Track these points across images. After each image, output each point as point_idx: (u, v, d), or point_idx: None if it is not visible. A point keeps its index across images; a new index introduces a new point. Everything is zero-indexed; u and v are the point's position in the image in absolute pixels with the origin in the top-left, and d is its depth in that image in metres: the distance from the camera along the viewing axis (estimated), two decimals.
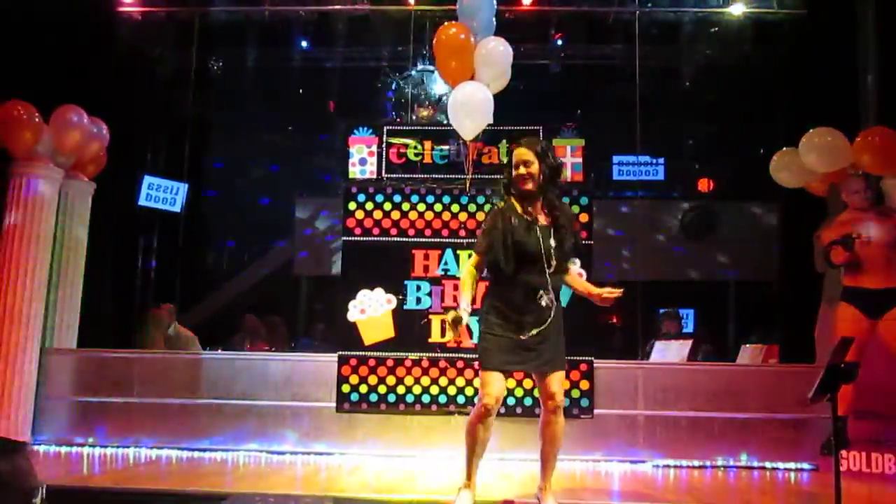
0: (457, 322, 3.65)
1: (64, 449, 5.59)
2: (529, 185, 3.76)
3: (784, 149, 6.08)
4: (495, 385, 3.68)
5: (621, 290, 3.75)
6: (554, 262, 3.71)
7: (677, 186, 10.90)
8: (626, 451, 5.45)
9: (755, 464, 5.37)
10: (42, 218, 5.71)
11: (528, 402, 5.45)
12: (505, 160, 4.99)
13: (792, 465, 5.35)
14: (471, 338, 5.15)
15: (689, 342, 6.49)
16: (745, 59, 8.87)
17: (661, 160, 9.82)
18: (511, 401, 5.43)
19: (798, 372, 5.52)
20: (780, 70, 8.40)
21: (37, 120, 5.68)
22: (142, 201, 8.03)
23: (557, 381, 3.76)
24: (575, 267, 4.02)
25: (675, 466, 5.35)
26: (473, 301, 3.82)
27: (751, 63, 8.90)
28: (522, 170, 3.75)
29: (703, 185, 10.85)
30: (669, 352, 6.46)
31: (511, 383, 5.34)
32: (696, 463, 5.38)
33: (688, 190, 10.91)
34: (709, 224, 10.12)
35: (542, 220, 3.79)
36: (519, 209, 3.79)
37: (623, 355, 7.49)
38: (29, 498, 1.40)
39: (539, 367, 3.75)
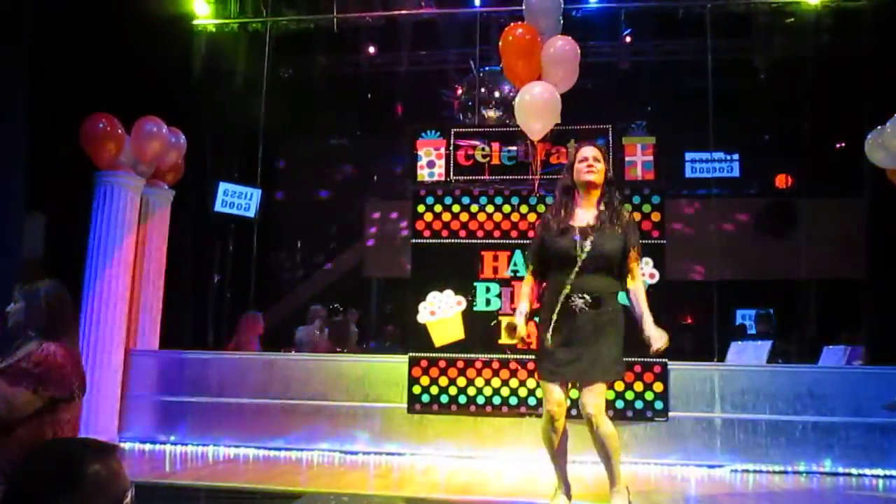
0: (511, 328, 3.65)
1: (147, 446, 5.80)
2: (594, 177, 3.69)
3: (879, 127, 5.68)
4: (553, 393, 3.64)
5: (665, 344, 3.57)
6: (584, 263, 3.56)
7: (753, 183, 10.59)
8: (703, 455, 5.31)
9: (840, 470, 5.15)
10: (125, 224, 5.92)
11: None
12: None
13: (880, 471, 5.11)
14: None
15: (768, 343, 6.29)
16: (823, 50, 8.53)
17: (736, 156, 9.52)
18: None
19: (887, 374, 5.28)
20: (862, 60, 8.05)
21: (119, 131, 5.91)
22: (217, 207, 8.25)
23: (591, 392, 3.61)
24: (635, 283, 3.74)
25: (755, 471, 5.18)
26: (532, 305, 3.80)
27: (830, 53, 8.56)
28: (592, 161, 3.70)
29: (781, 180, 10.50)
30: (747, 353, 6.27)
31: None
32: (776, 468, 5.19)
33: (764, 186, 10.58)
34: (787, 221, 9.79)
35: (588, 221, 3.68)
36: (563, 211, 3.73)
37: (697, 357, 7.29)
38: (120, 500, 1.45)
39: (573, 378, 3.66)
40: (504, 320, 3.69)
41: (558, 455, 3.79)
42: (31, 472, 1.45)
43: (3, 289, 4.68)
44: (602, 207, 3.73)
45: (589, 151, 3.74)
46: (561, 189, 3.83)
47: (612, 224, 3.67)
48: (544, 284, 3.78)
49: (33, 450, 1.53)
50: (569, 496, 3.84)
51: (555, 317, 3.59)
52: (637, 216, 5.49)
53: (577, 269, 3.58)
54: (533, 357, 5.19)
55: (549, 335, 3.61)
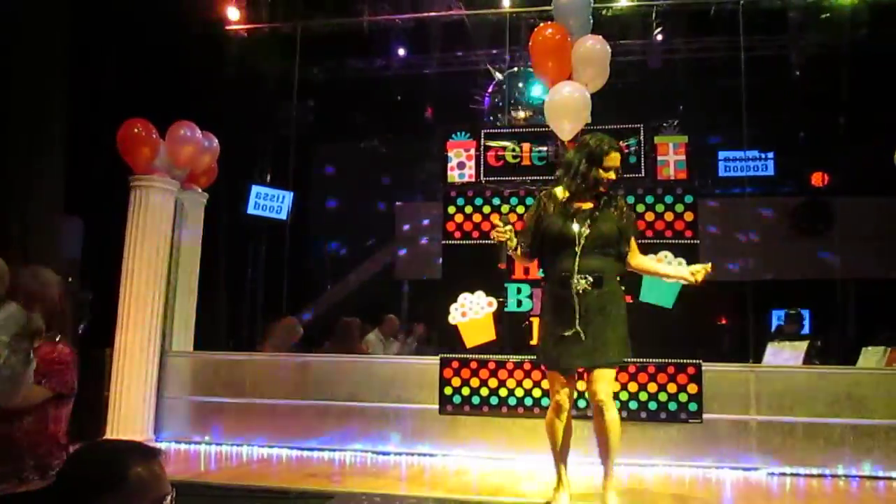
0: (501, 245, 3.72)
1: (183, 446, 5.87)
2: (606, 188, 3.78)
3: None
4: (561, 382, 3.72)
5: (709, 264, 3.67)
6: (585, 244, 3.64)
7: (788, 181, 10.44)
8: (739, 457, 5.22)
9: (880, 474, 5.03)
10: (160, 228, 6.01)
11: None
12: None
13: None
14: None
15: (805, 344, 6.18)
16: (859, 45, 8.38)
17: (771, 154, 9.40)
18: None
19: None
20: None
21: (154, 136, 6.00)
22: (250, 210, 8.36)
23: (601, 378, 3.65)
24: (638, 257, 3.86)
25: (792, 475, 5.08)
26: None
27: (866, 49, 8.40)
28: (613, 175, 3.76)
29: (817, 179, 10.32)
30: (783, 355, 6.17)
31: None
32: (814, 471, 5.09)
33: (800, 185, 10.42)
34: (824, 220, 9.61)
35: (585, 205, 3.75)
36: (559, 195, 3.80)
37: (733, 358, 7.20)
38: (160, 503, 1.49)
39: (583, 364, 3.70)
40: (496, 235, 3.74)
41: (562, 450, 3.82)
42: (76, 468, 1.49)
43: None
44: (603, 195, 3.80)
45: (617, 160, 3.78)
46: (574, 174, 3.78)
47: (610, 208, 3.78)
48: (544, 271, 3.85)
49: (80, 447, 1.57)
50: (569, 494, 3.85)
51: (565, 304, 3.64)
52: (670, 216, 5.44)
53: (578, 250, 3.64)
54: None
55: (554, 323, 3.67)
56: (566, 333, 3.62)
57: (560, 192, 3.83)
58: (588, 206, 3.76)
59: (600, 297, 3.64)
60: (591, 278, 3.62)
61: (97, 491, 1.41)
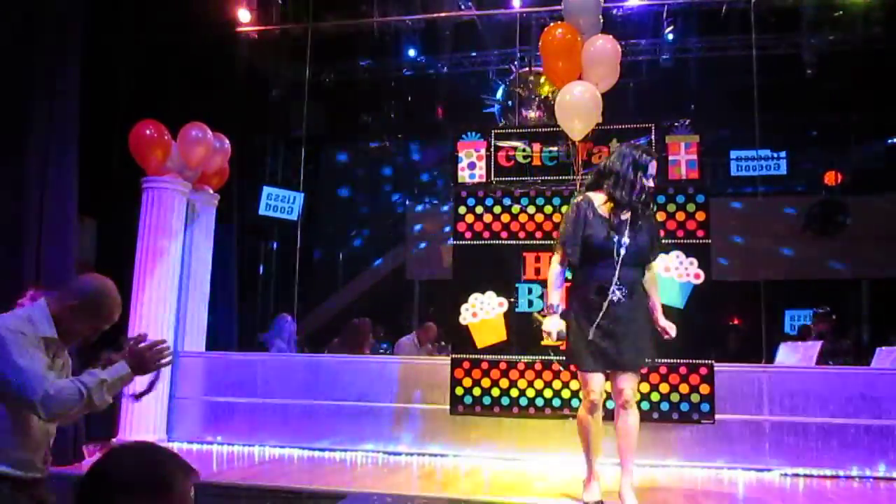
0: (551, 331, 3.85)
1: (195, 446, 5.90)
2: (649, 196, 3.93)
3: None
4: (595, 382, 3.81)
5: (673, 334, 3.88)
6: (624, 255, 3.75)
7: (801, 180, 10.37)
8: (752, 458, 5.20)
9: (895, 475, 5.00)
10: (172, 228, 6.04)
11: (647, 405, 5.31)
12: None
13: None
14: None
15: (818, 344, 6.14)
16: (872, 43, 8.32)
17: (783, 154, 9.32)
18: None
19: None
20: None
21: (166, 137, 6.03)
22: (262, 211, 8.38)
23: (630, 379, 3.84)
24: (651, 274, 4.04)
25: (806, 476, 5.05)
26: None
27: (879, 47, 8.33)
28: (653, 182, 3.89)
29: (830, 178, 10.25)
30: (796, 355, 6.13)
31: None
32: (828, 472, 5.05)
33: (813, 184, 10.35)
34: (838, 219, 9.54)
35: (625, 216, 3.84)
36: (597, 203, 3.88)
37: (746, 359, 7.16)
38: None
39: (614, 367, 3.81)
40: (537, 318, 3.79)
41: (595, 445, 3.91)
42: (119, 465, 1.47)
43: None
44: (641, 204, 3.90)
45: (655, 168, 3.91)
46: (622, 183, 3.82)
47: (644, 219, 3.90)
48: (575, 276, 3.93)
49: (123, 445, 1.58)
50: (600, 485, 3.95)
51: (598, 310, 3.74)
52: (681, 216, 5.42)
53: (618, 262, 3.76)
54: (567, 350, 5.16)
55: (592, 328, 3.75)
56: (598, 338, 3.75)
57: (599, 199, 3.90)
58: (627, 215, 3.84)
59: (631, 305, 3.80)
60: (626, 289, 3.77)
61: (139, 491, 1.41)
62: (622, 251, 3.75)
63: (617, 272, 3.74)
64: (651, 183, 3.87)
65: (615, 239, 3.77)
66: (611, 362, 3.79)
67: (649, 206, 4.04)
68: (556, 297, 3.89)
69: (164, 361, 2.66)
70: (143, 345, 2.62)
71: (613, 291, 3.73)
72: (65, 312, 2.62)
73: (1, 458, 2.52)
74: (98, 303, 2.67)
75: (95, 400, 2.48)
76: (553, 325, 3.86)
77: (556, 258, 3.94)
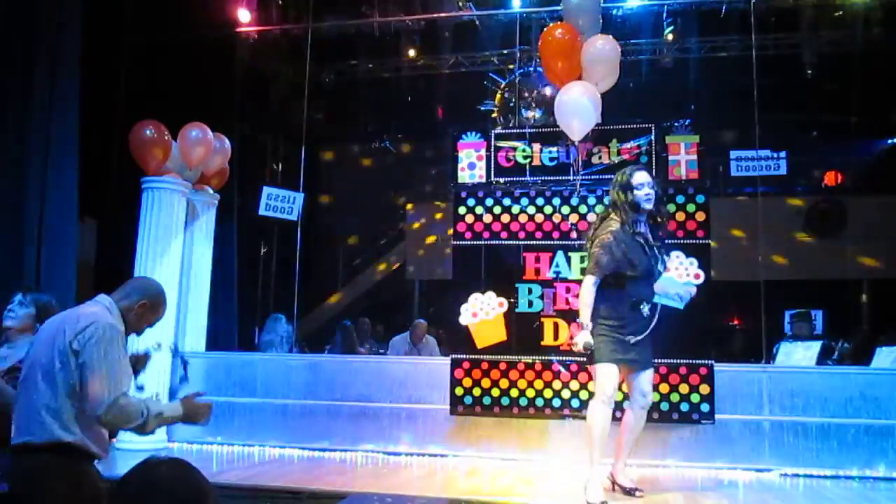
0: (588, 348, 4.12)
1: (195, 446, 5.90)
2: (651, 206, 4.19)
3: None
4: (616, 377, 4.13)
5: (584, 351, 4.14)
6: (657, 276, 4.21)
7: (801, 181, 10.36)
8: (751, 458, 5.20)
9: (894, 475, 4.99)
10: (172, 228, 6.03)
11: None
12: (615, 160, 5.53)
13: None
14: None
15: (818, 344, 6.14)
16: (872, 44, 8.31)
17: (783, 154, 9.31)
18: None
19: None
20: None
21: (166, 138, 6.02)
22: (262, 211, 8.37)
23: (649, 379, 4.29)
24: None
25: (805, 476, 5.05)
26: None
27: (881, 47, 8.33)
28: (648, 189, 4.17)
29: (830, 178, 10.26)
30: (796, 355, 6.13)
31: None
32: (827, 472, 5.05)
33: (813, 184, 10.35)
34: (838, 219, 9.54)
35: (650, 238, 4.23)
36: (628, 227, 4.17)
37: (746, 358, 7.16)
38: None
39: (635, 365, 4.18)
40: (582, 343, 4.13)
41: (603, 440, 4.14)
42: (158, 479, 1.55)
43: (62, 293, 4.84)
44: (654, 223, 4.29)
45: (644, 177, 4.22)
46: (625, 208, 4.18)
47: (658, 238, 4.31)
48: (613, 292, 4.18)
49: (159, 459, 1.63)
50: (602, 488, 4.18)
51: (623, 317, 4.13)
52: (682, 216, 5.43)
53: (651, 280, 4.19)
54: (577, 359, 5.19)
55: (629, 337, 4.12)
56: (630, 341, 4.11)
57: (618, 226, 4.18)
58: (647, 233, 4.22)
59: (657, 318, 4.23)
60: (654, 304, 4.21)
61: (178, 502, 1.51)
62: (657, 275, 4.21)
63: (652, 292, 4.20)
64: (648, 190, 4.17)
65: (655, 266, 4.19)
66: (634, 362, 4.17)
67: (662, 215, 4.36)
68: (588, 315, 4.14)
69: (209, 419, 2.96)
70: (200, 401, 2.96)
71: (645, 306, 4.14)
72: (135, 311, 2.82)
73: (89, 439, 2.65)
74: (161, 301, 2.93)
75: (147, 427, 2.65)
76: (582, 338, 4.12)
77: (592, 280, 4.16)
